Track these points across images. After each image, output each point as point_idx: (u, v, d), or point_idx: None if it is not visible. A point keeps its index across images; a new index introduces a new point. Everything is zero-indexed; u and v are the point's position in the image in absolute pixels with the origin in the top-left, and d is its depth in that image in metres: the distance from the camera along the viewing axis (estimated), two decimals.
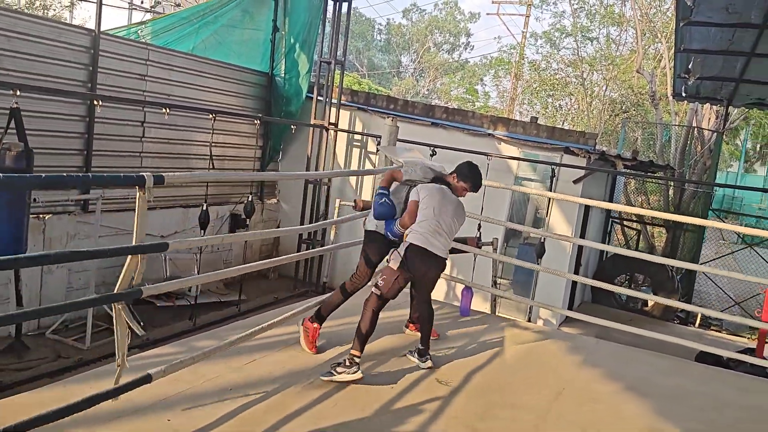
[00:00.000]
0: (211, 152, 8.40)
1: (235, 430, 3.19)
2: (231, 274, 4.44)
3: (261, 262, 4.48)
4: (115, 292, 2.98)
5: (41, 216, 7.39)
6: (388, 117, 6.95)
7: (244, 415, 3.35)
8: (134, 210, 2.88)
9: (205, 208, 7.82)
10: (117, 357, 3.00)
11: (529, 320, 9.26)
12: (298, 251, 10.68)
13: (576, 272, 10.68)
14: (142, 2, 21.71)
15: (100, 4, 7.91)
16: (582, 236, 10.60)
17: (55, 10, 22.23)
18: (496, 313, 7.46)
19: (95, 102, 7.36)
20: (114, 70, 8.34)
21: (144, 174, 2.80)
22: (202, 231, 7.84)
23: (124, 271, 2.95)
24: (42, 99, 7.34)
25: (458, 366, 4.39)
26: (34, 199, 6.90)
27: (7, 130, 5.82)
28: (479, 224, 8.42)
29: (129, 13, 19.39)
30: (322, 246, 10.75)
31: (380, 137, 8.40)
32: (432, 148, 9.44)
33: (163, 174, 2.90)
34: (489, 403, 3.84)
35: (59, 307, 3.71)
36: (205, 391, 3.55)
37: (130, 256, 2.92)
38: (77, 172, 7.83)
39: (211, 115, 8.01)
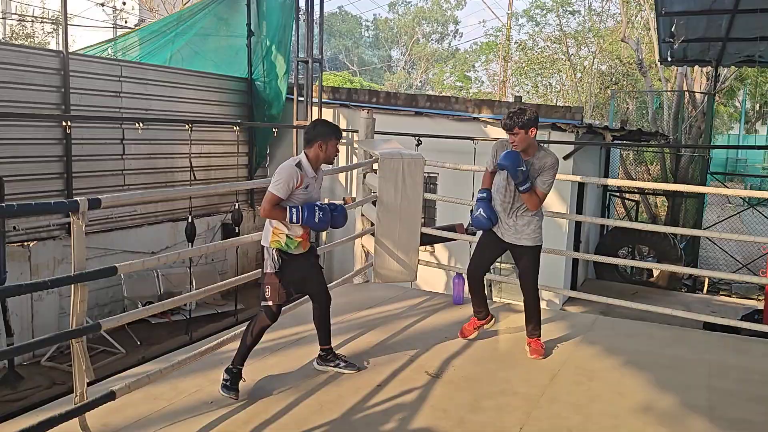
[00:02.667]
0: (191, 163, 8.29)
1: None
2: (206, 292, 4.23)
3: (246, 275, 4.47)
4: (72, 328, 2.89)
5: (25, 243, 7.29)
6: (364, 110, 6.80)
7: (223, 426, 3.24)
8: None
9: (190, 220, 7.70)
10: (75, 394, 2.94)
11: None
12: None
13: (576, 249, 10.50)
14: (126, 22, 21.68)
15: (65, 25, 7.83)
16: (579, 212, 10.42)
17: (38, 37, 22.21)
18: (492, 298, 7.31)
19: (64, 123, 7.24)
20: (88, 90, 8.25)
21: (77, 199, 2.76)
22: (190, 244, 7.72)
23: (72, 303, 2.89)
24: (13, 125, 7.25)
25: (448, 356, 4.26)
26: (14, 227, 6.80)
27: None
28: (471, 210, 8.29)
29: (114, 33, 19.26)
30: (317, 245, 10.61)
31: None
32: (417, 137, 9.31)
33: (100, 197, 2.83)
34: (479, 393, 3.70)
35: (23, 347, 3.70)
36: (184, 406, 3.45)
37: (74, 286, 2.84)
38: (58, 196, 7.73)
39: (187, 126, 7.89)
